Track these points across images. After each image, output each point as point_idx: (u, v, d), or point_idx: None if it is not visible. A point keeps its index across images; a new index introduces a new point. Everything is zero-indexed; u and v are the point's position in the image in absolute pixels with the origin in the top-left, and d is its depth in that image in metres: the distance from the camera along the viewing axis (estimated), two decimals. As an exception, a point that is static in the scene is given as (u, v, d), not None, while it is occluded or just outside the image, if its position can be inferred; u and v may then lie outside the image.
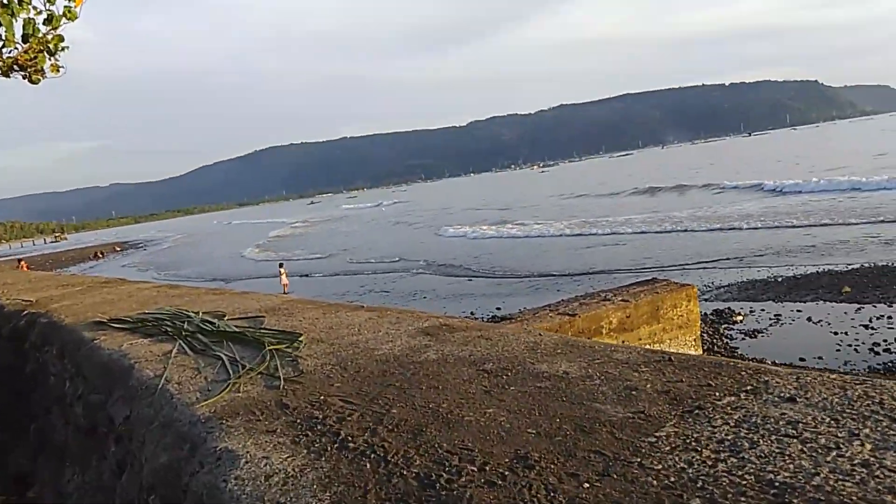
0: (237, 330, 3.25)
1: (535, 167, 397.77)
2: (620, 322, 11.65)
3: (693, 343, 12.53)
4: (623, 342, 11.75)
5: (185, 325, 3.60)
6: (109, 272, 47.47)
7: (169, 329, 3.57)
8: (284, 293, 24.76)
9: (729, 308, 16.03)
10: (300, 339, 2.90)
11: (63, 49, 7.23)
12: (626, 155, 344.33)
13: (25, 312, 5.36)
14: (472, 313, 18.37)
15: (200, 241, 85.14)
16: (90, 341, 3.60)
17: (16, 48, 7.00)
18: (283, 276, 25.16)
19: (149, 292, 5.52)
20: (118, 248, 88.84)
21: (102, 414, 2.82)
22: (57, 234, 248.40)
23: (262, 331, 3.19)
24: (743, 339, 13.93)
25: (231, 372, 2.51)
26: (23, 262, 29.26)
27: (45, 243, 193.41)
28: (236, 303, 4.33)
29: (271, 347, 2.75)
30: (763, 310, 15.82)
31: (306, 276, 30.24)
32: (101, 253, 79.96)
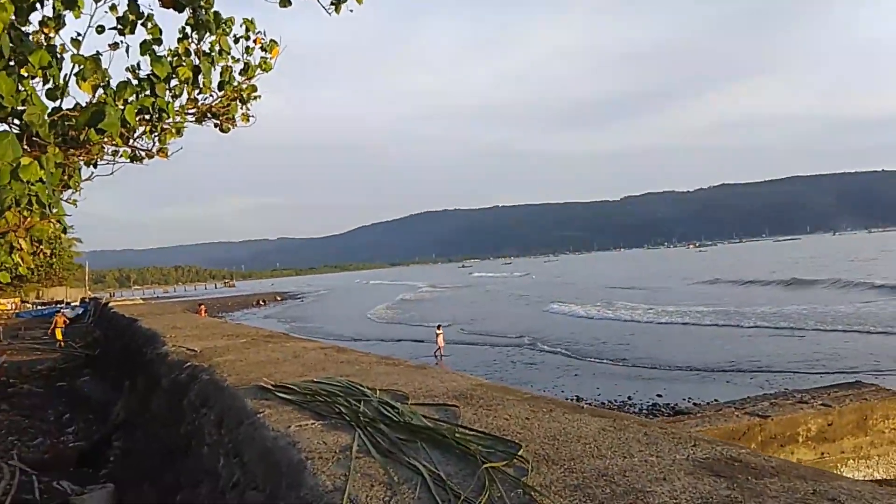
0: (430, 426, 2.53)
1: (691, 246, 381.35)
2: (820, 430, 9.93)
3: (909, 465, 10.47)
4: (823, 455, 9.99)
5: (362, 408, 2.95)
6: (251, 321, 49.68)
7: (343, 410, 2.93)
8: (440, 356, 24.40)
9: (948, 425, 13.49)
10: (520, 453, 2.13)
11: (255, 98, 7.20)
12: (793, 240, 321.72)
13: (188, 365, 5.02)
14: (629, 398, 16.88)
15: (337, 297, 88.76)
16: (253, 415, 3.03)
17: (211, 96, 7.04)
18: (440, 339, 24.83)
19: (315, 354, 5.01)
20: (279, 298, 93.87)
21: (261, 526, 2.18)
22: (227, 281, 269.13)
23: (463, 431, 2.45)
24: (973, 466, 11.51)
25: (439, 501, 1.77)
26: (202, 307, 30.91)
27: (216, 288, 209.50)
28: (416, 380, 3.66)
29: (488, 465, 1.98)
30: None
31: (420, 342, 29.84)
32: (264, 301, 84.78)
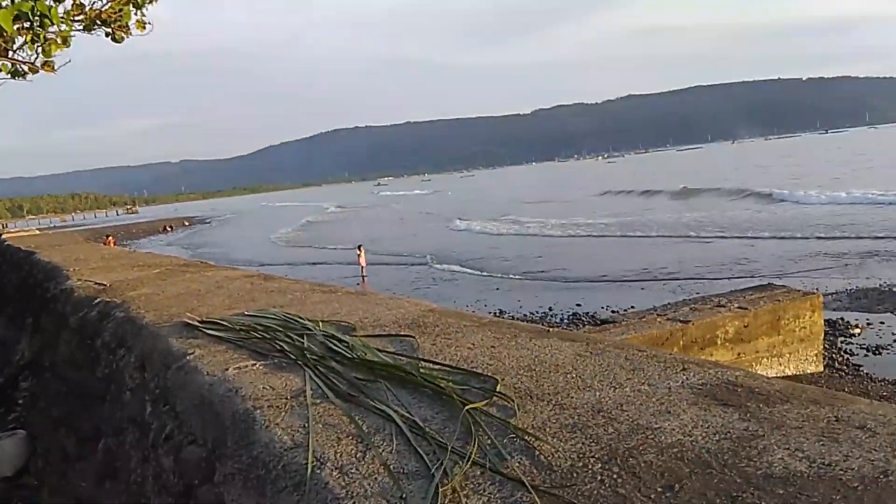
0: (390, 361, 2.27)
1: (600, 158, 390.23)
2: (737, 332, 10.38)
3: (814, 358, 11.17)
4: (739, 355, 10.48)
5: (307, 343, 2.66)
6: (155, 249, 47.90)
7: (286, 347, 2.63)
8: (363, 275, 24.14)
9: (843, 318, 14.48)
10: (498, 389, 1.90)
11: (152, 2, 6.44)
12: (695, 148, 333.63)
13: (97, 301, 4.55)
14: (550, 308, 17.25)
15: (244, 220, 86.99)
16: (181, 357, 2.69)
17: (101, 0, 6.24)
18: (362, 258, 24.51)
19: (240, 283, 4.64)
20: (186, 223, 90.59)
21: (208, 489, 1.89)
22: (129, 207, 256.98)
23: (427, 365, 2.21)
24: (865, 354, 12.43)
25: (423, 454, 1.53)
26: (110, 238, 28.92)
27: (118, 215, 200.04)
28: (359, 308, 3.38)
29: (469, 407, 1.75)
30: (883, 322, 14.23)
31: (336, 264, 29.57)
32: (171, 226, 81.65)
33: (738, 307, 10.50)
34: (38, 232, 25.42)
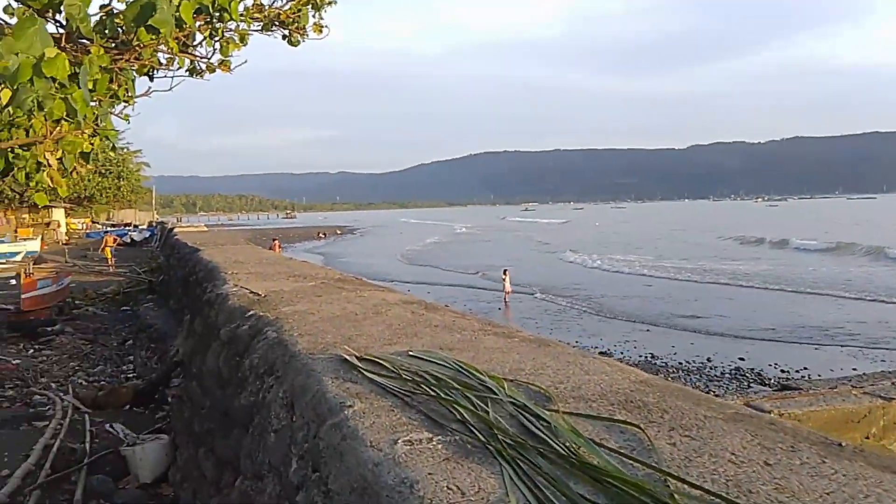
0: (628, 476, 1.60)
1: (760, 200, 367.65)
2: (950, 417, 8.67)
3: None
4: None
5: (492, 413, 2.05)
6: (298, 256, 49.60)
7: (468, 417, 2.03)
8: (506, 301, 23.63)
9: None
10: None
11: (330, 4, 6.22)
12: (867, 199, 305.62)
13: (251, 314, 4.22)
14: (708, 360, 15.77)
15: (379, 233, 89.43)
16: (338, 410, 2.16)
17: (280, -1, 6.09)
18: (507, 283, 24.05)
19: (400, 311, 4.14)
20: (339, 232, 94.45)
21: None
22: (288, 212, 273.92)
23: (681, 485, 1.52)
24: None
25: None
26: (276, 242, 30.09)
27: (278, 218, 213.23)
28: (545, 363, 2.73)
29: None
30: None
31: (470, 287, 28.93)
32: (324, 234, 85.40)
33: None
34: (205, 229, 27.06)
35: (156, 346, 11.95)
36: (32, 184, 3.56)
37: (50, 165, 3.19)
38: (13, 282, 18.14)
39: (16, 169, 3.30)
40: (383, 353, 2.93)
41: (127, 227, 52.29)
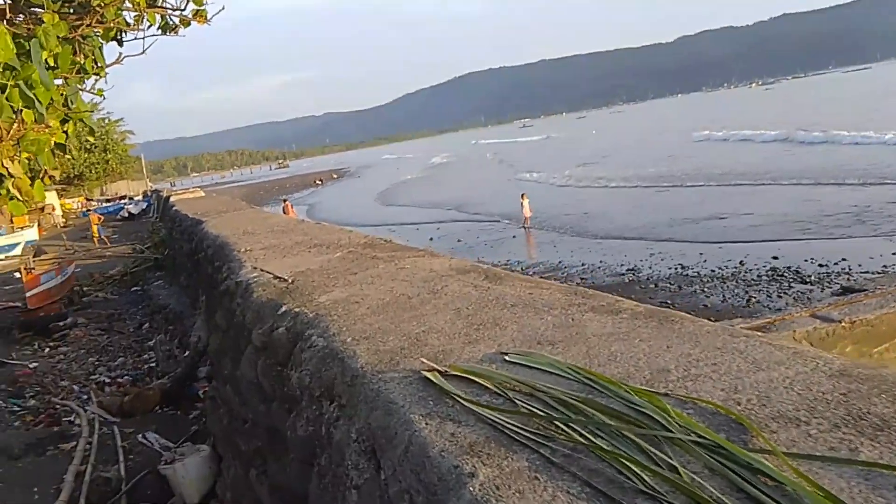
0: None
1: (754, 85, 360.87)
2: None
3: None
4: None
5: (685, 471, 1.43)
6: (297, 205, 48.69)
7: (643, 476, 1.42)
8: (525, 227, 23.00)
9: None
10: None
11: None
12: (863, 69, 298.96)
13: (284, 310, 3.60)
14: (741, 263, 15.16)
15: (365, 175, 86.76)
16: (455, 484, 1.56)
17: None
18: (526, 208, 23.32)
19: (458, 285, 3.50)
20: (335, 176, 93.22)
21: None
22: (280, 162, 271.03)
23: None
24: None
25: None
26: (287, 204, 28.61)
27: (271, 170, 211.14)
28: (692, 356, 2.11)
29: None
30: None
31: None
32: (321, 180, 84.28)
33: None
34: (202, 193, 26.25)
35: (174, 328, 11.46)
36: (1, 192, 2.88)
37: (12, 175, 2.51)
38: (17, 275, 17.61)
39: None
40: (471, 361, 2.31)
41: (122, 201, 51.43)
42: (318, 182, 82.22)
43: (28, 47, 3.40)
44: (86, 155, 54.65)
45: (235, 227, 8.88)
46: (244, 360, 3.87)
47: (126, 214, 44.20)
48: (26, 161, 2.71)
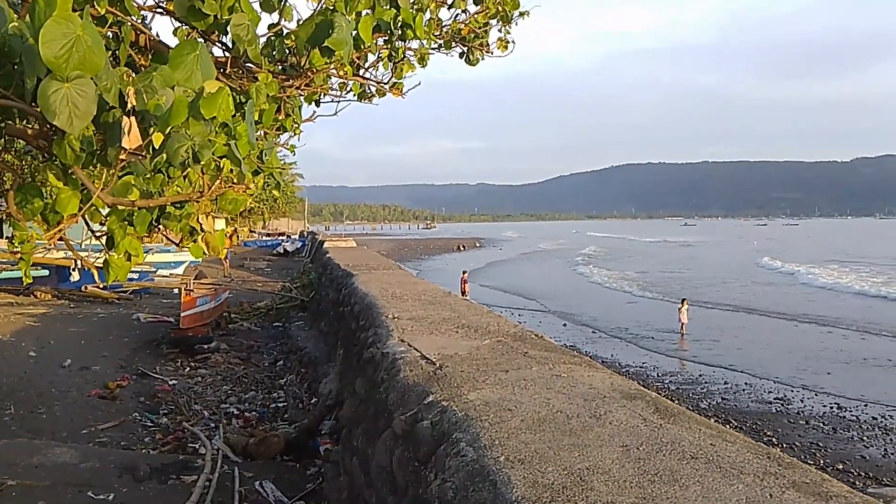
0: None
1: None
2: None
3: None
4: None
5: None
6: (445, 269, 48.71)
7: None
8: (682, 333, 21.86)
9: None
10: None
11: (522, 16, 5.36)
12: None
13: (430, 400, 3.38)
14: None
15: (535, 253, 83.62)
16: None
17: (465, 12, 5.31)
18: (684, 313, 22.07)
19: (625, 415, 3.13)
20: (478, 245, 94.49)
21: None
22: (428, 223, 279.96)
23: None
24: None
25: None
26: (465, 283, 27.41)
27: (418, 229, 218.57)
28: None
29: None
30: None
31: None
32: (464, 246, 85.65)
33: None
34: (354, 244, 27.33)
35: (306, 372, 11.65)
36: (185, 243, 2.91)
37: (204, 231, 2.51)
38: (176, 291, 18.90)
39: (166, 229, 2.66)
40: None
41: (281, 237, 54.69)
42: (460, 248, 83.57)
43: (241, 101, 3.50)
44: (259, 191, 58.92)
45: (384, 288, 8.94)
46: (380, 442, 3.68)
47: (282, 251, 46.86)
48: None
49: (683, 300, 23.26)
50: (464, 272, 29.73)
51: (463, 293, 27.39)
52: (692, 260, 63.56)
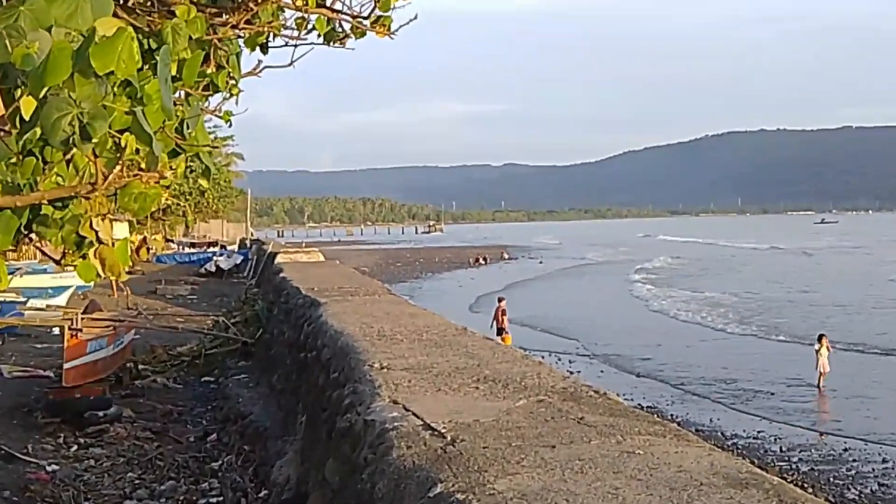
0: None
1: None
2: None
3: None
4: None
5: None
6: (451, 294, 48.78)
7: None
8: (821, 385, 22.29)
9: None
10: None
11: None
12: None
13: (439, 492, 3.40)
14: None
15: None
16: None
17: None
18: (824, 358, 22.42)
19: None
20: (505, 256, 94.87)
21: None
22: (431, 224, 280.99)
23: None
24: None
25: None
26: (503, 315, 27.43)
27: (417, 233, 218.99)
28: None
29: None
30: None
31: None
32: (485, 259, 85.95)
33: None
34: (321, 258, 27.47)
35: (251, 450, 11.72)
36: (70, 259, 2.93)
37: (101, 242, 2.53)
38: (56, 331, 18.97)
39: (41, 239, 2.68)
40: None
41: (212, 249, 54.95)
42: (481, 261, 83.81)
43: (150, 47, 3.53)
44: (179, 181, 59.08)
45: (367, 323, 9.00)
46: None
47: (213, 268, 46.90)
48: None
49: (822, 336, 23.33)
50: (499, 299, 29.38)
51: (499, 332, 26.97)
52: (816, 275, 63.42)
